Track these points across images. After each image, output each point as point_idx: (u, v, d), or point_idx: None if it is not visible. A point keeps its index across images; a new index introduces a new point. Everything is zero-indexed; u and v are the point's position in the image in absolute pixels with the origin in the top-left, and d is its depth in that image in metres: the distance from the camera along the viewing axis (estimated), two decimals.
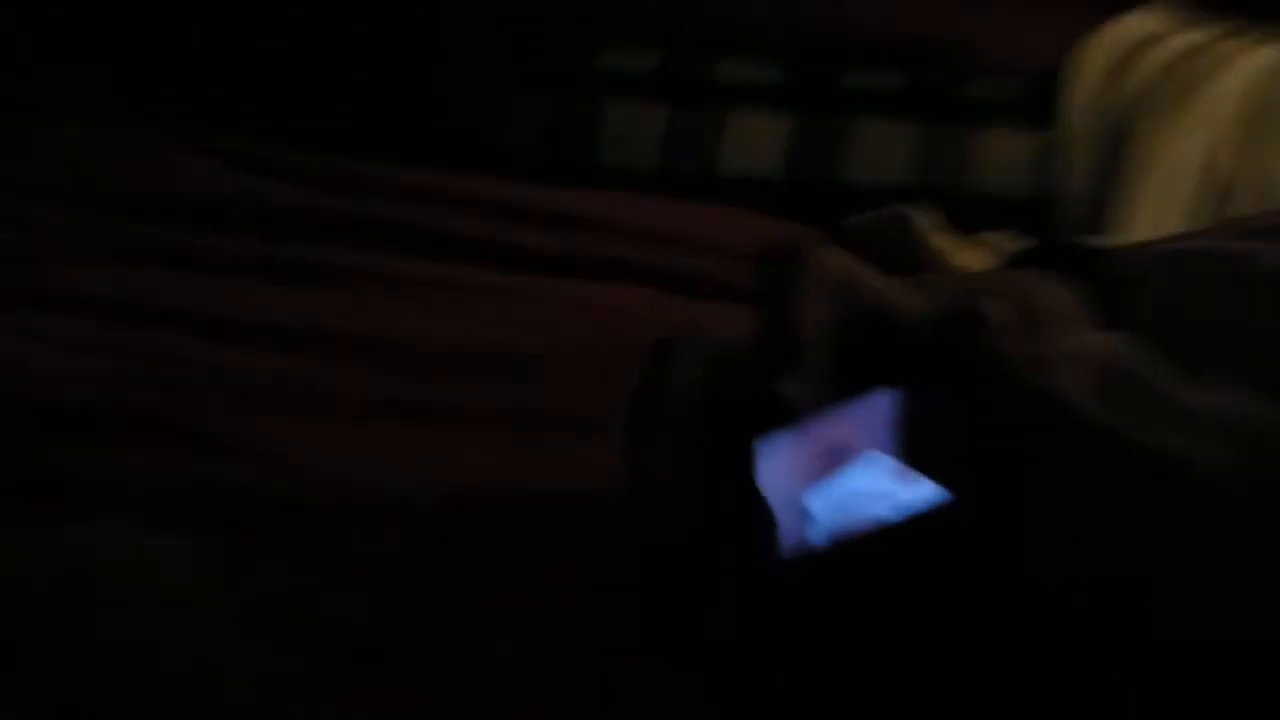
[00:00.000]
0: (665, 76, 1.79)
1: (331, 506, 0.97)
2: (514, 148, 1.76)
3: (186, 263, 1.33)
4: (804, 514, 0.77)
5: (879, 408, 0.78)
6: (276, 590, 0.87)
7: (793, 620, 0.77)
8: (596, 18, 1.85)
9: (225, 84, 2.22)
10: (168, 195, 1.46)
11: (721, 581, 0.79)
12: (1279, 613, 0.70)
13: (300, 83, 2.09)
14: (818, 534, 0.76)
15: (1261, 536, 0.71)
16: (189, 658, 0.70)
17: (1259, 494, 0.73)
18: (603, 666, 0.82)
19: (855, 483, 0.77)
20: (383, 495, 0.98)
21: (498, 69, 1.85)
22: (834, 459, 0.78)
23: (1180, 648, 0.71)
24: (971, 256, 1.31)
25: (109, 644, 0.69)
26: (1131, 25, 1.75)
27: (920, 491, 0.74)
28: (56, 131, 1.61)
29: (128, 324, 1.23)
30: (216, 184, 1.48)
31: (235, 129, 1.70)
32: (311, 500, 0.97)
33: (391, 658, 0.83)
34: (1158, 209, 1.56)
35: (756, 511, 0.78)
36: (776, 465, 0.79)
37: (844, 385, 0.80)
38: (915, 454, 0.76)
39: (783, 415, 0.80)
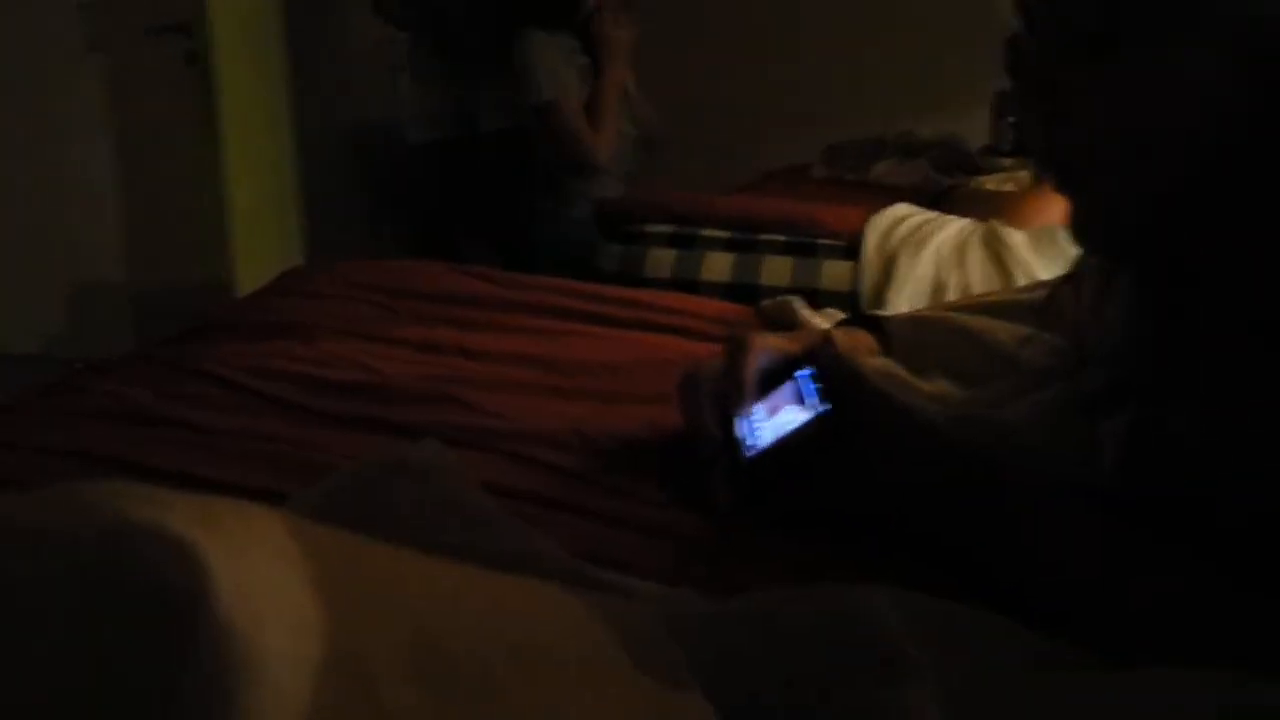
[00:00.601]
0: (675, 236, 1.81)
1: (522, 436, 0.95)
2: (604, 270, 1.79)
3: (451, 323, 1.31)
4: (761, 436, 0.76)
5: (790, 387, 0.78)
6: (497, 477, 0.86)
7: (757, 480, 0.76)
8: (642, 209, 1.87)
9: (465, 244, 2.26)
10: (440, 292, 1.43)
11: (721, 473, 0.78)
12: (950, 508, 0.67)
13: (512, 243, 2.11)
14: (765, 443, 0.75)
15: (957, 454, 0.69)
16: (459, 502, 0.65)
17: (957, 429, 0.72)
18: (669, 515, 0.80)
19: (783, 418, 0.76)
20: (545, 431, 0.96)
21: (596, 233, 1.88)
22: (774, 410, 0.77)
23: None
24: (821, 321, 1.33)
25: (421, 501, 0.64)
26: (893, 211, 1.76)
27: (810, 413, 0.74)
28: (391, 262, 1.59)
29: (426, 351, 1.21)
30: (462, 285, 1.46)
31: (471, 261, 1.71)
32: (513, 433, 0.96)
33: (556, 509, 0.82)
34: (908, 299, 1.57)
35: (736, 440, 0.78)
36: (746, 419, 0.79)
37: (768, 382, 0.80)
38: (807, 399, 0.75)
39: (735, 403, 0.80)
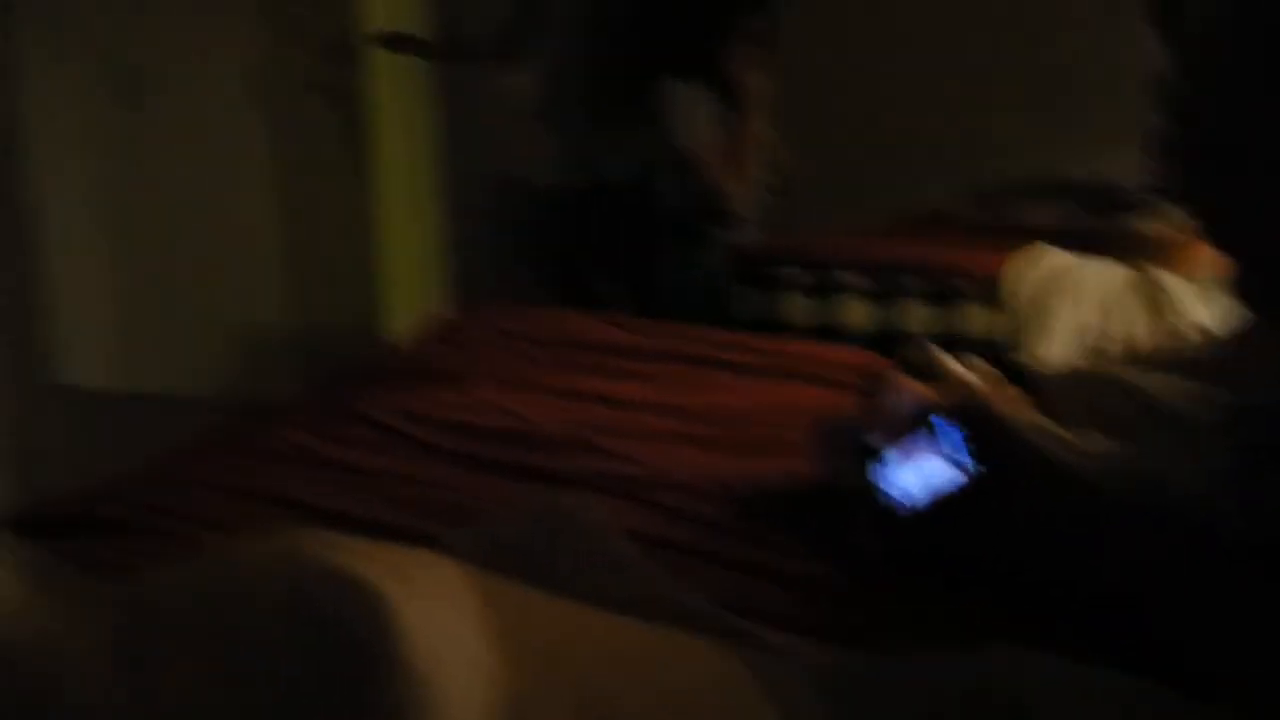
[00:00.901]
0: (812, 283, 1.82)
1: (662, 485, 0.97)
2: (741, 317, 1.80)
3: (593, 370, 1.34)
4: (902, 488, 0.76)
5: (932, 439, 0.77)
6: (639, 525, 0.87)
7: (904, 539, 0.76)
8: (778, 254, 1.88)
9: (599, 288, 2.32)
10: (583, 339, 1.47)
11: (865, 524, 0.79)
12: (1119, 563, 0.66)
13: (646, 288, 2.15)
14: (913, 498, 0.75)
15: (1115, 510, 0.68)
16: (609, 553, 0.67)
17: (1114, 486, 0.70)
18: (808, 566, 0.81)
19: (925, 470, 0.75)
20: (685, 480, 0.97)
21: (731, 281, 1.90)
22: (916, 462, 0.76)
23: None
24: (965, 371, 1.31)
25: (569, 549, 0.66)
26: (1041, 255, 1.72)
27: (959, 469, 0.73)
28: (535, 310, 1.67)
29: (569, 398, 1.23)
30: (604, 333, 1.49)
31: (605, 305, 1.74)
32: (654, 481, 0.98)
33: (697, 559, 0.83)
34: (1057, 348, 1.53)
35: (880, 492, 0.77)
36: (885, 470, 0.78)
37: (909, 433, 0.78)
38: (958, 456, 0.74)
39: (880, 448, 0.79)
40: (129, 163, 2.89)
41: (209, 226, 2.88)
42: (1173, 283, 1.52)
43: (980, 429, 0.74)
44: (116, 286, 2.95)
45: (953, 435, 0.76)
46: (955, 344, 1.54)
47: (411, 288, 2.83)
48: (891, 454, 0.79)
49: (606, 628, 0.44)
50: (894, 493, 0.76)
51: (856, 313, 1.73)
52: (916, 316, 1.68)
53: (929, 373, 1.33)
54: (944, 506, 0.73)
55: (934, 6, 3.03)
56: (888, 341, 1.62)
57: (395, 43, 2.58)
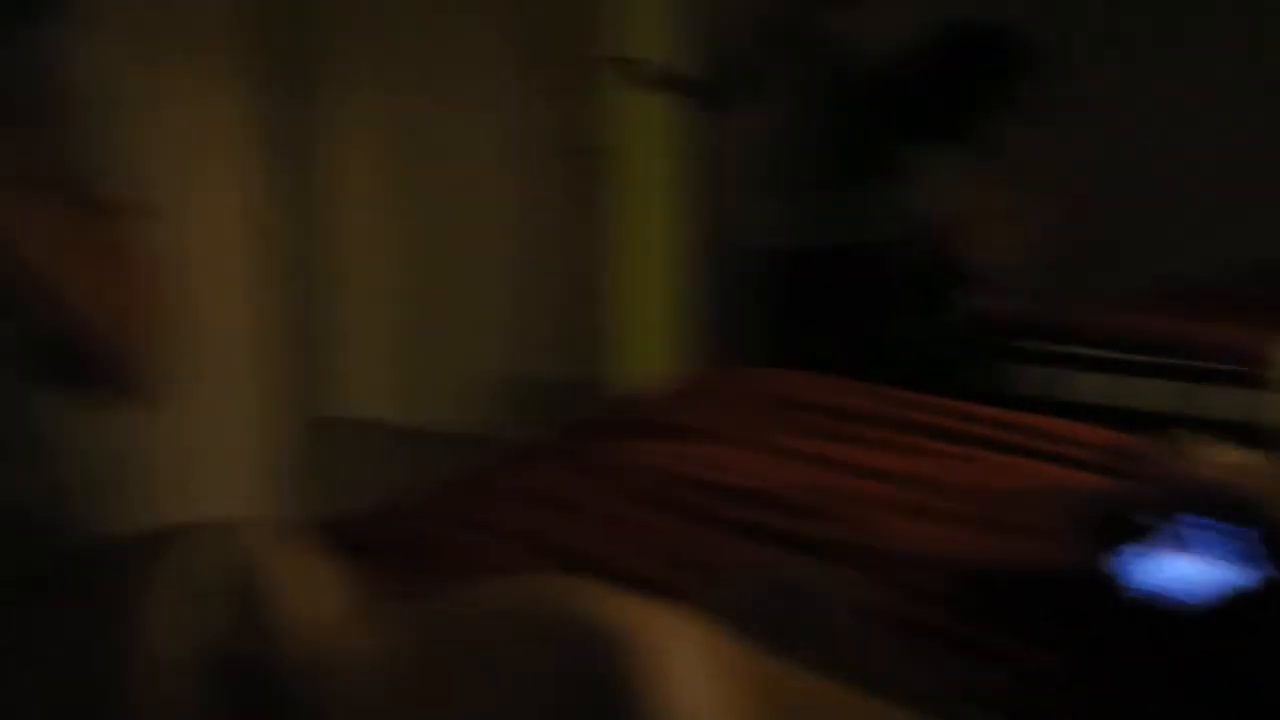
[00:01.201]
0: (1052, 353, 1.76)
1: (899, 558, 0.98)
2: (977, 385, 1.76)
3: (839, 438, 1.35)
4: (1180, 587, 0.72)
5: (1210, 534, 0.73)
6: (873, 596, 0.88)
7: (1181, 638, 0.71)
8: (1021, 324, 1.84)
9: (824, 352, 2.32)
10: (825, 404, 1.47)
11: (1117, 614, 0.76)
12: None
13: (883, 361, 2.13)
14: (1190, 595, 0.70)
15: None
16: (838, 623, 0.69)
17: None
18: (1037, 654, 0.79)
19: (1204, 569, 0.72)
20: (918, 554, 0.97)
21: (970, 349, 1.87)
22: (1170, 553, 0.74)
23: None
24: (1232, 458, 1.24)
25: (802, 617, 0.68)
26: None
27: (1247, 574, 0.70)
28: (782, 372, 1.64)
29: (814, 464, 1.26)
30: (845, 400, 1.49)
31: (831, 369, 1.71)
32: (888, 553, 0.99)
33: (923, 634, 0.82)
34: None
35: (1140, 582, 0.75)
36: (1150, 561, 0.76)
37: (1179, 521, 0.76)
38: (1246, 555, 0.70)
39: (1140, 532, 0.77)
40: (401, 215, 3.16)
41: (469, 275, 3.11)
42: None
43: (1273, 528, 0.72)
44: (386, 327, 3.21)
45: (1239, 533, 0.73)
46: (1207, 426, 1.46)
47: (648, 344, 2.95)
48: (1159, 541, 0.76)
49: (834, 699, 0.46)
50: (1162, 585, 0.74)
51: (1094, 386, 1.66)
52: (1159, 393, 1.60)
53: (1187, 458, 1.27)
54: (1234, 609, 0.70)
55: (1202, 77, 2.87)
56: (1127, 418, 1.55)
57: (628, 68, 2.70)
